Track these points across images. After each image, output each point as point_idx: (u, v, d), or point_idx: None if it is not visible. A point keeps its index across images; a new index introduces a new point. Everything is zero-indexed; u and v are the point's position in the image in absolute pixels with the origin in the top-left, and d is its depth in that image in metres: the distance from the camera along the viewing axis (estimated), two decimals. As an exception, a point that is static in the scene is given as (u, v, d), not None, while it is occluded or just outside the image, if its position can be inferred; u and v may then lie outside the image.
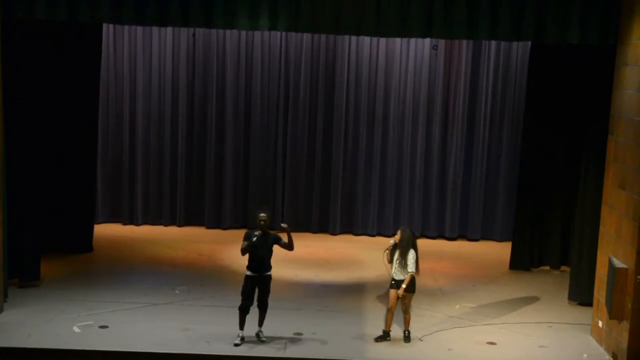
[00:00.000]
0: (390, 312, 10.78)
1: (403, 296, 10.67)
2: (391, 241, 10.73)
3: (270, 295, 10.59)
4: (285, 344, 10.53)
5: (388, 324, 10.83)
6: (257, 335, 10.59)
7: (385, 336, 10.82)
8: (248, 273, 10.48)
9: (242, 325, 10.47)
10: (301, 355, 10.24)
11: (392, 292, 10.72)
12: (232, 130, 16.20)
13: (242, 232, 15.89)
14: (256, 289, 10.48)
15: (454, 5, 10.85)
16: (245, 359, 10.14)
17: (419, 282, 10.98)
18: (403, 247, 10.61)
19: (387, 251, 10.72)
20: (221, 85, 16.11)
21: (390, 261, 10.74)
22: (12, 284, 11.87)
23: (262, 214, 10.44)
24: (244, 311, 10.45)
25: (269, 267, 10.53)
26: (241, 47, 16.07)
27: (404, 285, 10.59)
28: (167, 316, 11.37)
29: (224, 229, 16.26)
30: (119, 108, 16.13)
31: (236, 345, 10.35)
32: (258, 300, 10.53)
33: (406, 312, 10.77)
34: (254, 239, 10.26)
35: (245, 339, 10.44)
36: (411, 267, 10.57)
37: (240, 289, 10.56)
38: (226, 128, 16.20)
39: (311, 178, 16.37)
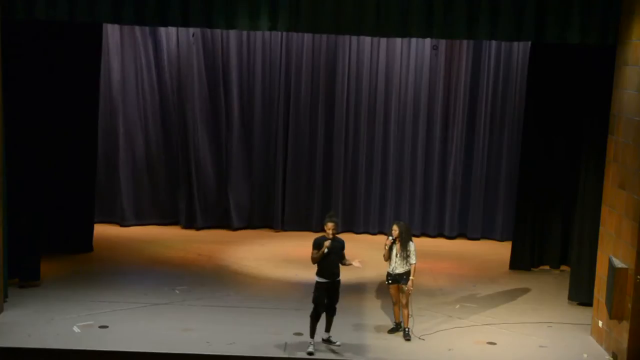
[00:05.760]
0: (397, 306, 11.00)
1: (402, 288, 10.78)
2: (390, 238, 10.78)
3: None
4: (285, 344, 10.53)
5: (397, 316, 11.05)
6: (329, 340, 10.53)
7: (397, 328, 11.04)
8: (320, 280, 10.35)
9: (313, 334, 10.38)
10: (301, 355, 10.24)
11: (393, 287, 10.88)
12: (233, 131, 16.20)
13: (242, 232, 16.15)
14: (326, 295, 10.41)
15: (454, 5, 10.86)
16: (245, 359, 10.14)
17: (418, 280, 11.01)
18: (403, 239, 10.73)
19: (386, 248, 10.79)
20: (222, 86, 16.08)
21: (389, 258, 10.80)
22: (12, 284, 11.87)
23: (329, 224, 10.29)
24: (316, 319, 10.36)
25: (339, 273, 10.44)
26: (242, 48, 16.07)
27: (412, 277, 10.76)
28: (167, 316, 11.37)
29: (224, 228, 16.26)
30: (119, 108, 16.09)
31: (310, 354, 10.24)
32: (327, 306, 10.43)
33: (406, 306, 10.82)
34: (326, 249, 10.19)
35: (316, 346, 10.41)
36: (414, 259, 10.74)
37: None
38: (227, 128, 16.19)
39: (312, 178, 16.39)
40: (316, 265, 10.38)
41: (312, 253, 10.33)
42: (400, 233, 10.74)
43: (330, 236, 10.25)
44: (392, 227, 10.89)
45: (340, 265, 10.44)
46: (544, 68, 13.81)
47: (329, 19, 10.96)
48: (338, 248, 10.38)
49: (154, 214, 16.44)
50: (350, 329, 11.12)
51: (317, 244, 10.30)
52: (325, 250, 10.19)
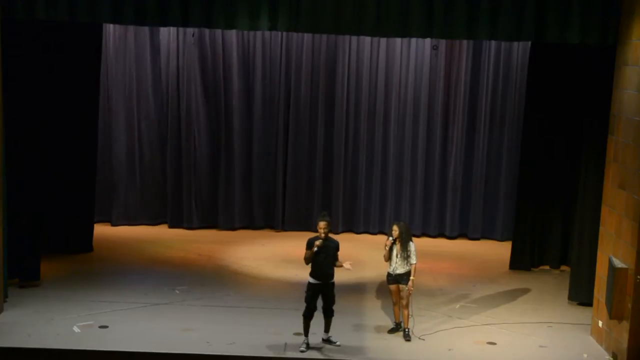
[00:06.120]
0: (397, 306, 10.99)
1: (402, 288, 10.78)
2: (390, 239, 10.77)
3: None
4: (285, 344, 10.53)
5: (397, 316, 11.04)
6: (328, 340, 10.50)
7: (397, 328, 11.05)
8: (311, 280, 10.34)
9: (306, 332, 10.37)
10: (301, 355, 10.24)
11: (394, 287, 10.87)
12: (233, 131, 16.19)
13: (242, 232, 16.14)
14: (319, 295, 10.35)
15: (454, 5, 10.85)
16: (245, 359, 10.14)
17: (418, 280, 11.01)
18: (404, 240, 10.72)
19: (387, 249, 10.78)
20: (222, 86, 16.08)
21: (389, 259, 10.80)
22: (12, 284, 11.87)
23: (321, 223, 10.22)
24: (307, 318, 10.33)
25: (332, 274, 10.36)
26: (241, 47, 16.06)
27: (412, 278, 10.76)
28: (167, 316, 11.37)
29: (224, 229, 16.26)
30: (118, 108, 16.09)
31: (302, 352, 10.26)
32: (323, 308, 10.40)
33: (406, 307, 10.83)
34: (316, 248, 10.16)
35: (311, 345, 10.39)
36: (414, 259, 10.73)
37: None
38: (227, 129, 16.18)
39: (312, 178, 16.39)
40: (310, 265, 10.34)
41: (305, 253, 10.30)
42: (401, 233, 10.74)
43: (322, 235, 10.20)
44: (392, 227, 10.88)
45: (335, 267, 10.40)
46: (544, 68, 13.80)
47: (329, 19, 10.95)
48: (331, 249, 10.29)
49: (147, 214, 16.41)
50: (350, 329, 11.12)
51: (310, 244, 10.27)
52: (315, 249, 10.15)
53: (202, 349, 10.27)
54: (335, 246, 10.38)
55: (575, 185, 13.10)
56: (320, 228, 10.21)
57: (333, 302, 10.42)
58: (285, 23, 10.99)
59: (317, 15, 10.93)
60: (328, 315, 10.46)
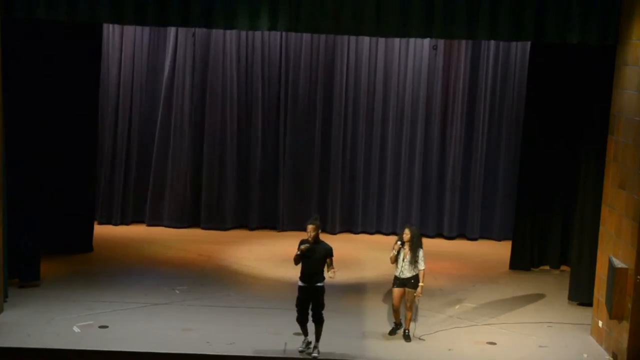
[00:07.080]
0: (396, 312, 10.89)
1: (408, 292, 10.72)
2: (398, 242, 10.70)
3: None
4: (285, 344, 10.53)
5: (397, 318, 10.96)
6: (307, 344, 10.28)
7: (397, 328, 10.99)
8: (299, 283, 10.23)
9: (305, 332, 10.28)
10: (301, 355, 10.23)
11: (400, 290, 10.77)
12: (231, 131, 16.19)
13: (242, 232, 16.14)
14: (309, 299, 10.19)
15: (454, 5, 10.85)
16: (245, 359, 10.14)
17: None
18: (414, 244, 10.65)
19: (394, 251, 10.72)
20: (221, 86, 16.09)
21: (395, 261, 10.76)
22: (12, 284, 11.86)
23: (309, 226, 10.11)
24: (301, 322, 10.22)
25: (321, 278, 10.16)
26: (241, 47, 16.07)
27: (421, 284, 10.70)
28: (167, 316, 11.37)
29: (225, 229, 16.25)
30: (118, 108, 16.10)
31: (301, 351, 10.21)
32: (311, 314, 10.20)
33: (409, 309, 10.80)
34: (299, 252, 10.06)
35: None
36: (422, 265, 10.67)
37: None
38: (226, 129, 16.18)
39: (310, 178, 16.38)
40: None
41: (295, 253, 10.23)
42: (412, 237, 10.64)
43: (310, 239, 10.10)
44: (403, 230, 10.77)
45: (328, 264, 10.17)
46: (544, 68, 13.81)
47: (328, 19, 10.95)
48: (319, 253, 10.08)
49: (155, 214, 16.42)
50: (350, 329, 11.11)
51: (300, 245, 10.18)
52: (298, 252, 10.07)
53: (202, 349, 10.27)
54: (326, 250, 10.13)
55: (575, 185, 13.10)
56: (308, 231, 10.11)
57: (321, 308, 10.18)
58: (285, 23, 10.99)
59: (316, 16, 10.93)
60: (316, 322, 10.19)
